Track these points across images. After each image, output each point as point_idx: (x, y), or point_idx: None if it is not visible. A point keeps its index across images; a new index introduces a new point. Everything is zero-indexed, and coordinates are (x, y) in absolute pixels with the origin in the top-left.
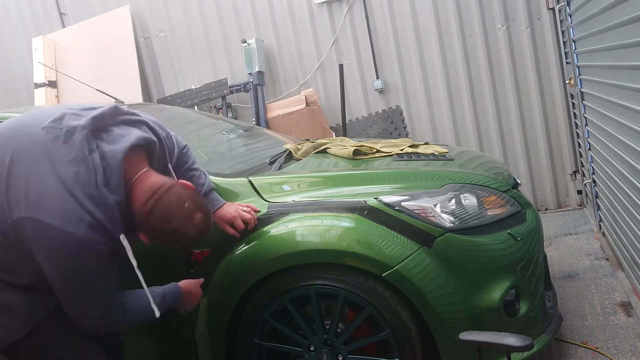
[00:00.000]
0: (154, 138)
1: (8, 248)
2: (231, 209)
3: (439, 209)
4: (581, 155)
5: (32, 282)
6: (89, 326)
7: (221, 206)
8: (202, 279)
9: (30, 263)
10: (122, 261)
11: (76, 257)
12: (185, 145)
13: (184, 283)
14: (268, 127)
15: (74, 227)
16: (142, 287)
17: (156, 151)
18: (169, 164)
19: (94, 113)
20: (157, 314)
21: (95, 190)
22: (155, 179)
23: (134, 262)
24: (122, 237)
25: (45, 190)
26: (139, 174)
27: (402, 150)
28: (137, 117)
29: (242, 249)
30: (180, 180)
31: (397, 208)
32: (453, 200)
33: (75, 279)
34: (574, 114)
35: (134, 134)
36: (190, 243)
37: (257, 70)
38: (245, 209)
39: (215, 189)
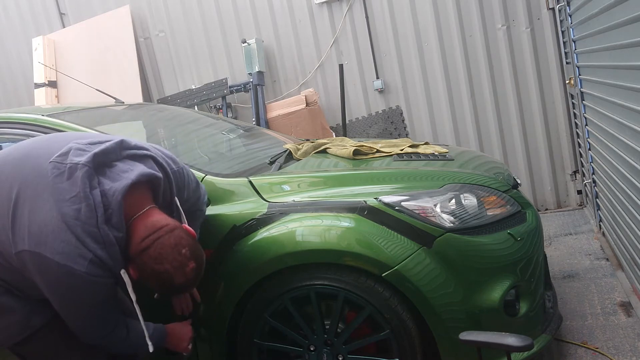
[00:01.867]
0: (159, 174)
1: (12, 271)
2: None
3: (439, 209)
4: (581, 155)
5: (32, 294)
6: (90, 343)
7: None
8: (190, 320)
9: (33, 286)
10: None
11: (77, 291)
12: (197, 182)
13: (171, 325)
14: (268, 127)
15: (74, 263)
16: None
17: (161, 187)
18: (176, 199)
19: (97, 149)
20: (151, 348)
21: (96, 229)
22: (158, 217)
23: (133, 297)
24: (122, 272)
25: (47, 226)
26: (141, 212)
27: (402, 150)
28: (144, 152)
29: (243, 249)
30: (185, 225)
31: (397, 208)
32: (453, 200)
33: (77, 308)
34: (574, 114)
35: (136, 171)
36: (175, 290)
37: (257, 70)
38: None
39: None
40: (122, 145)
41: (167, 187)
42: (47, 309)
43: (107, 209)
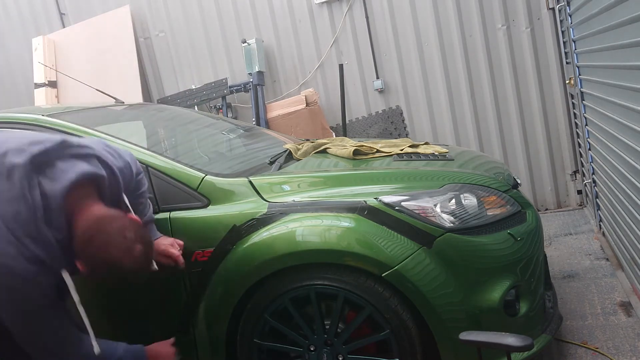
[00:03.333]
0: (102, 172)
1: None
2: (166, 241)
3: (439, 209)
4: (581, 155)
5: None
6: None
7: (157, 238)
8: (172, 339)
9: None
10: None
11: (18, 292)
12: (140, 172)
13: (152, 345)
14: (268, 127)
15: (13, 261)
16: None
17: (105, 185)
18: (124, 196)
19: (35, 150)
20: None
21: (35, 229)
22: (100, 210)
23: (76, 298)
24: (64, 272)
25: None
26: (84, 207)
27: (402, 150)
28: (87, 151)
29: (243, 248)
30: (130, 215)
31: (397, 208)
32: (453, 200)
33: (20, 314)
34: (574, 114)
35: (77, 170)
36: (128, 275)
37: (257, 70)
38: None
39: (154, 221)
40: (63, 144)
41: (114, 184)
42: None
43: (47, 209)
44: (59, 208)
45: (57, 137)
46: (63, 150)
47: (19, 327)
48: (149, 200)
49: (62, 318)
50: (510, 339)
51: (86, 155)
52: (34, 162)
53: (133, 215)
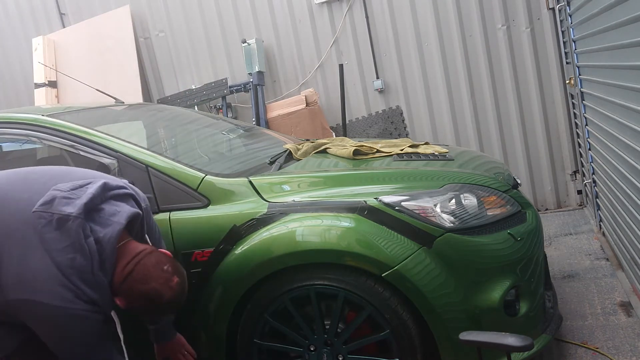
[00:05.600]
0: (140, 212)
1: None
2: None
3: (439, 209)
4: (581, 155)
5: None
6: None
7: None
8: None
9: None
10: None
11: (74, 329)
12: (155, 222)
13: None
14: (268, 127)
15: (72, 304)
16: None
17: (137, 224)
18: (146, 236)
19: (85, 200)
20: None
21: (92, 276)
22: (136, 245)
23: (121, 336)
24: (113, 313)
25: (41, 274)
26: (121, 244)
27: (402, 150)
28: (125, 191)
29: (243, 249)
30: (161, 249)
31: (397, 208)
32: (453, 200)
33: (74, 346)
34: (574, 114)
35: (124, 213)
36: (165, 307)
37: (257, 70)
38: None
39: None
40: (105, 188)
41: (141, 223)
42: (18, 333)
43: (101, 254)
44: (112, 253)
45: (97, 180)
46: (105, 194)
47: (66, 357)
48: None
49: (111, 351)
50: (510, 339)
51: (125, 195)
52: (85, 211)
53: (163, 249)
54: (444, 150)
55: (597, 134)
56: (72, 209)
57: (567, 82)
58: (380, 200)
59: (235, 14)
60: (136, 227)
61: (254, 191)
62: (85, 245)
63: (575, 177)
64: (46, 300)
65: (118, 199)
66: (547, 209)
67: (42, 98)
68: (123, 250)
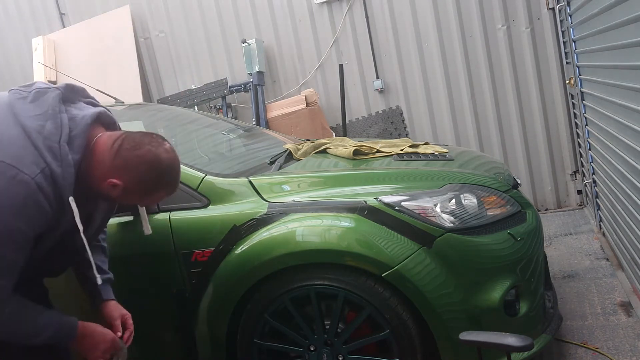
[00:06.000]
0: (116, 121)
1: None
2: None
3: (439, 209)
4: (581, 155)
5: None
6: None
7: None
8: (119, 332)
9: None
10: (68, 238)
11: (12, 198)
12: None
13: (89, 323)
14: (268, 127)
15: (25, 167)
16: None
17: (112, 126)
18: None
19: (65, 85)
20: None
21: (57, 145)
22: (113, 132)
23: (80, 227)
24: (71, 199)
25: (4, 135)
26: (99, 135)
27: (402, 150)
28: (99, 104)
29: (243, 249)
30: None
31: (397, 208)
32: (453, 200)
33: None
34: (574, 114)
35: (100, 107)
36: (166, 174)
37: (257, 70)
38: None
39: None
40: (84, 92)
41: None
42: None
43: (72, 130)
44: (84, 132)
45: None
46: (82, 95)
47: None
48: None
49: (18, 258)
50: (510, 339)
51: (99, 106)
52: (64, 93)
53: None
54: (444, 150)
55: (597, 134)
56: (52, 88)
57: (567, 82)
58: (380, 200)
59: (235, 14)
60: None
61: (254, 191)
62: (59, 116)
63: (575, 177)
64: (1, 157)
65: (93, 105)
66: (547, 209)
67: None
68: (100, 142)
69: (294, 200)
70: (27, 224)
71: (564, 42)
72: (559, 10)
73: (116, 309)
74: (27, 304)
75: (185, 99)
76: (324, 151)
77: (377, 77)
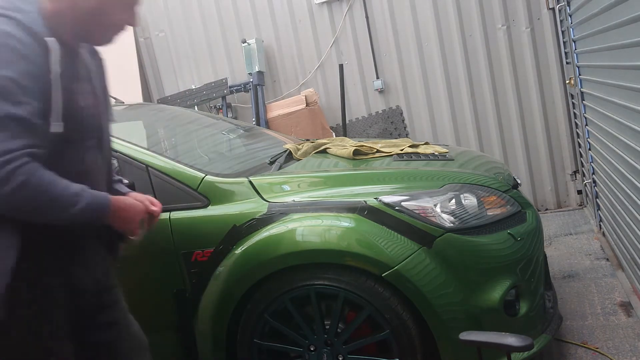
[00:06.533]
0: None
1: None
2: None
3: (439, 209)
4: (581, 155)
5: None
6: None
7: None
8: (146, 197)
9: None
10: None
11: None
12: None
13: (118, 198)
14: (268, 127)
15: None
16: None
17: None
18: None
19: None
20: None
21: None
22: None
23: (55, 70)
24: (52, 40)
25: None
26: None
27: (402, 150)
28: None
29: (243, 249)
30: None
31: (397, 208)
32: (453, 200)
33: None
34: (574, 114)
35: None
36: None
37: (257, 70)
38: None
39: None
40: None
41: None
42: None
43: None
44: None
45: None
46: None
47: None
48: None
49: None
50: (510, 339)
51: None
52: None
53: None
54: (444, 150)
55: (597, 134)
56: None
57: (567, 82)
58: (380, 200)
59: (235, 14)
60: None
61: (254, 191)
62: None
63: (575, 177)
64: None
65: None
66: (547, 209)
67: None
68: None
69: (294, 200)
70: (12, 70)
71: (564, 42)
72: (559, 10)
73: (139, 195)
74: (57, 176)
75: (185, 99)
76: (324, 151)
77: (377, 77)
